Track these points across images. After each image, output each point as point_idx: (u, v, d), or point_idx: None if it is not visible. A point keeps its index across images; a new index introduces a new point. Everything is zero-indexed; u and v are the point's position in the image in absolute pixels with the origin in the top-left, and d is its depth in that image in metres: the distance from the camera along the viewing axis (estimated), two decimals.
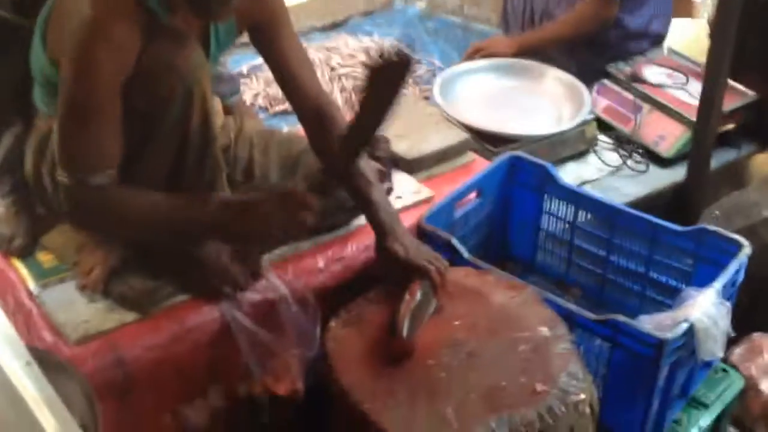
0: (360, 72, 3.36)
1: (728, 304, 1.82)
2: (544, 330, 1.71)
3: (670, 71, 2.79)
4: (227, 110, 2.25)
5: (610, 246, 2.14)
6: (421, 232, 1.99)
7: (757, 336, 2.16)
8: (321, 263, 2.01)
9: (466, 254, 1.93)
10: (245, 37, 1.94)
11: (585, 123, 2.60)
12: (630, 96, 2.72)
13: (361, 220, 2.04)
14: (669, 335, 1.70)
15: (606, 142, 2.67)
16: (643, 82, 2.75)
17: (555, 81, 2.75)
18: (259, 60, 2.17)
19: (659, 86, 2.73)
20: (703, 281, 1.89)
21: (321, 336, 1.82)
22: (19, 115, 1.88)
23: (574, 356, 1.66)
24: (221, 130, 2.00)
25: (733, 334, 1.84)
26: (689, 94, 2.68)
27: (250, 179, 2.01)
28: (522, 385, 1.59)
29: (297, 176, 1.99)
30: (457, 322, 1.76)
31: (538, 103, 2.70)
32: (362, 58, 3.45)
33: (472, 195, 2.19)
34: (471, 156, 2.41)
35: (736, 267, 1.89)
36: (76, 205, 1.68)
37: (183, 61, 1.68)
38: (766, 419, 2.09)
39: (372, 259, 2.00)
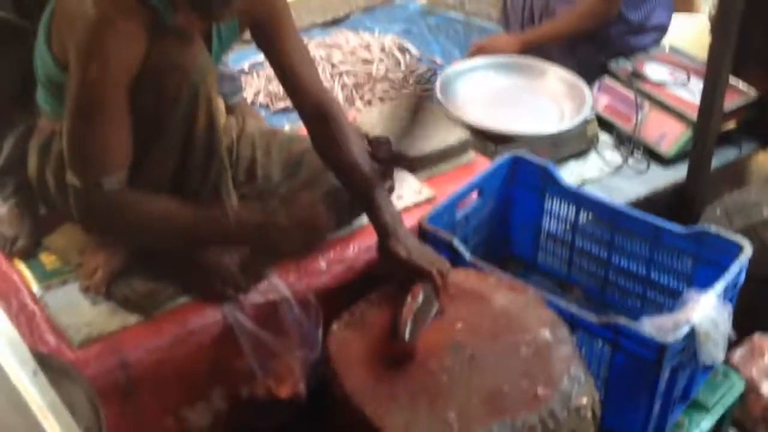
0: (360, 69, 3.36)
1: (729, 306, 1.83)
2: (546, 333, 1.71)
3: (672, 69, 2.79)
4: (229, 110, 2.24)
5: (612, 246, 2.14)
6: (423, 233, 1.99)
7: (757, 337, 2.16)
8: (323, 264, 2.01)
9: (467, 256, 1.93)
10: (247, 34, 1.94)
11: (586, 122, 2.60)
12: (631, 94, 2.72)
13: (363, 220, 2.05)
14: (670, 339, 1.71)
15: (607, 140, 2.67)
16: (645, 79, 2.75)
17: (556, 79, 2.75)
18: (261, 57, 2.16)
19: (660, 84, 2.73)
20: (704, 282, 1.89)
21: (323, 338, 1.82)
22: (22, 116, 1.88)
23: (575, 359, 1.67)
24: (224, 130, 2.00)
25: (734, 338, 1.84)
26: (690, 93, 2.68)
27: (253, 179, 2.02)
28: (524, 388, 1.60)
29: (314, 189, 2.00)
30: (459, 325, 1.76)
31: (540, 101, 2.70)
32: (363, 54, 3.45)
33: (473, 195, 2.19)
34: (472, 155, 2.41)
35: (737, 269, 1.89)
36: (87, 208, 1.67)
37: (190, 61, 1.68)
38: (767, 422, 2.09)
39: (374, 259, 2.00)
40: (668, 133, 2.63)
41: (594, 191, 2.42)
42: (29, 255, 1.94)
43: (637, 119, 2.66)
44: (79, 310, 1.81)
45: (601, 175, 2.58)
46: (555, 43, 2.92)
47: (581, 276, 2.23)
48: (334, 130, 1.92)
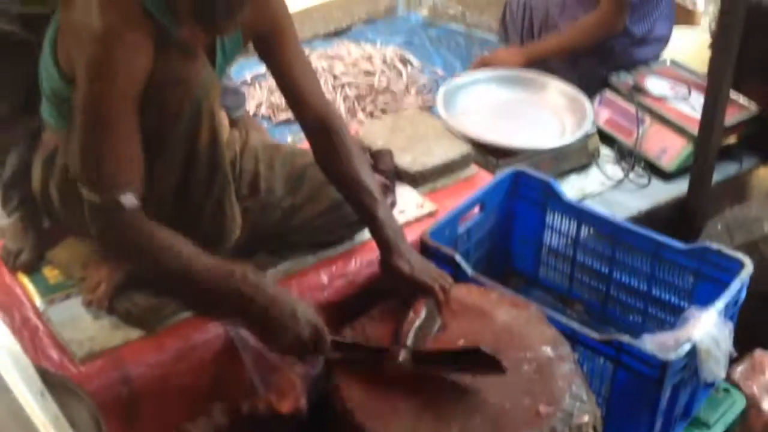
0: (362, 80, 3.37)
1: (730, 324, 1.83)
2: (548, 350, 1.71)
3: (673, 83, 2.79)
4: (232, 123, 2.25)
5: (613, 262, 2.15)
6: (425, 248, 2.00)
7: (758, 353, 2.16)
8: (325, 279, 2.02)
9: (469, 271, 1.93)
10: (249, 45, 1.95)
11: (587, 136, 2.60)
12: (632, 108, 2.73)
13: (365, 234, 2.05)
14: (672, 356, 1.71)
15: (608, 154, 2.68)
16: (646, 93, 2.75)
17: (557, 93, 2.75)
18: (263, 68, 2.17)
19: (661, 98, 2.74)
20: (705, 299, 1.90)
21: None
22: (27, 129, 1.88)
23: (577, 377, 1.67)
24: (227, 143, 2.00)
25: (735, 355, 1.85)
26: (691, 107, 2.68)
27: (256, 193, 2.02)
28: (526, 406, 1.60)
29: (317, 203, 2.00)
30: (461, 341, 1.76)
31: (541, 115, 2.70)
32: (365, 66, 3.46)
33: (475, 209, 2.20)
34: (474, 169, 2.42)
35: (738, 286, 1.90)
36: (105, 224, 1.64)
37: (193, 76, 1.68)
38: None
39: (376, 274, 2.00)
40: (669, 148, 2.64)
41: (595, 205, 2.43)
42: (33, 269, 1.94)
43: (638, 133, 2.67)
44: (82, 325, 1.81)
45: (602, 189, 2.59)
46: (562, 57, 2.93)
47: (583, 291, 2.24)
48: (336, 144, 1.92)
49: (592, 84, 2.85)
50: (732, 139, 2.67)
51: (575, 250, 2.21)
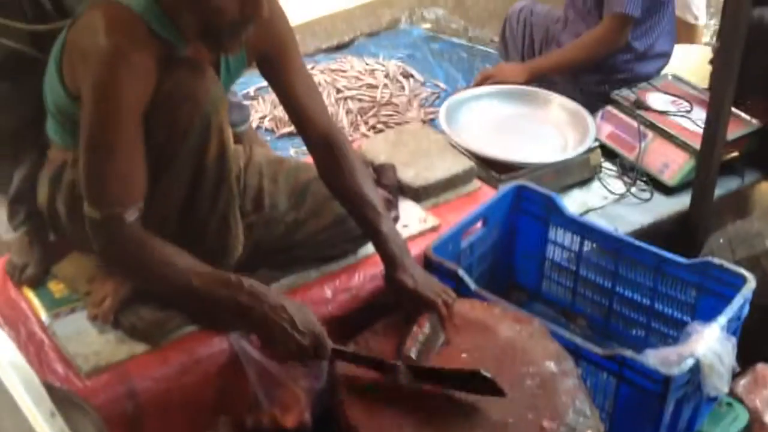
0: (365, 94, 3.39)
1: (733, 339, 1.84)
2: (551, 365, 1.72)
3: (675, 98, 2.80)
4: (237, 138, 2.26)
5: (616, 276, 2.15)
6: (428, 263, 2.01)
7: (761, 367, 2.16)
8: (328, 293, 2.03)
9: (473, 286, 1.94)
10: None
11: (590, 150, 2.61)
12: (634, 123, 2.74)
13: (369, 249, 2.06)
14: (675, 371, 1.72)
15: (610, 169, 2.69)
16: (648, 109, 2.77)
17: (559, 108, 2.77)
18: (266, 82, 2.17)
19: (663, 113, 2.75)
20: (708, 314, 1.91)
21: (328, 367, 1.83)
22: (34, 146, 1.90)
23: (581, 392, 1.67)
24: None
25: (737, 369, 1.85)
26: (693, 122, 2.69)
27: (260, 208, 2.03)
28: (529, 421, 1.61)
29: (320, 218, 2.02)
30: (464, 356, 1.77)
31: (543, 130, 2.71)
32: (367, 80, 3.48)
33: (478, 224, 2.21)
34: (477, 184, 2.43)
35: (740, 301, 1.91)
36: (107, 241, 1.68)
37: (202, 92, 1.70)
38: None
39: (379, 288, 2.02)
40: (671, 162, 2.65)
41: (597, 220, 2.45)
42: (38, 283, 1.95)
43: (640, 148, 2.68)
44: (87, 339, 1.82)
45: (604, 203, 2.59)
46: (561, 72, 2.95)
47: (585, 305, 2.25)
48: (340, 160, 1.94)
49: (594, 99, 2.87)
50: (734, 154, 2.68)
51: (578, 265, 2.22)
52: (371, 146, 2.49)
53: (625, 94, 2.83)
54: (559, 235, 2.23)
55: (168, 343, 1.83)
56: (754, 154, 2.72)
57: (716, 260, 2.02)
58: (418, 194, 2.33)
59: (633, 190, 2.63)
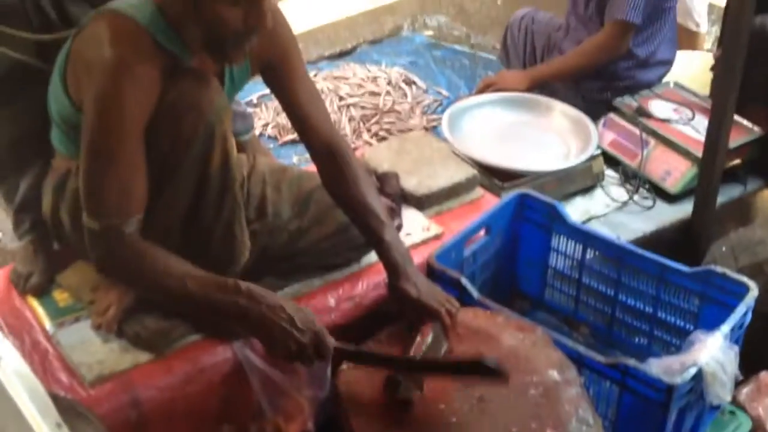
0: (367, 101, 3.40)
1: (736, 347, 1.84)
2: (554, 374, 1.72)
3: (677, 106, 2.81)
4: (240, 147, 2.27)
5: (618, 285, 2.16)
6: (431, 271, 2.01)
7: (764, 375, 2.16)
8: (332, 302, 2.03)
9: (476, 294, 1.94)
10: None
11: (592, 158, 2.62)
12: (636, 130, 2.74)
13: (372, 257, 2.06)
14: (678, 380, 1.72)
15: (613, 176, 2.69)
16: (650, 116, 2.77)
17: (562, 115, 2.77)
18: (269, 89, 2.20)
19: (665, 121, 2.75)
20: (710, 322, 1.91)
21: (332, 376, 1.83)
22: (39, 156, 1.90)
23: (584, 401, 1.68)
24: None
25: (740, 378, 1.86)
26: (695, 130, 2.70)
27: (263, 216, 2.03)
28: (533, 430, 1.61)
29: (324, 226, 2.03)
30: None
31: (546, 137, 2.72)
32: (370, 87, 3.49)
33: (481, 232, 2.21)
34: (479, 192, 2.44)
35: (743, 310, 1.91)
36: (106, 251, 1.68)
37: (207, 102, 1.70)
38: None
39: (383, 297, 2.02)
40: (673, 170, 2.65)
41: (600, 227, 2.45)
42: (42, 292, 1.96)
43: (642, 155, 2.68)
44: (91, 348, 1.83)
45: (606, 211, 2.60)
46: (566, 79, 2.95)
47: (588, 313, 2.25)
48: (343, 168, 1.94)
49: (596, 106, 2.87)
50: (736, 162, 2.68)
51: (581, 273, 2.22)
52: (374, 154, 2.50)
53: (627, 101, 2.83)
54: (561, 243, 2.24)
55: (172, 352, 1.84)
56: (757, 162, 2.72)
57: (719, 269, 2.02)
58: (421, 202, 2.34)
59: (635, 197, 2.63)
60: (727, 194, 2.66)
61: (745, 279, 1.98)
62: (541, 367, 1.74)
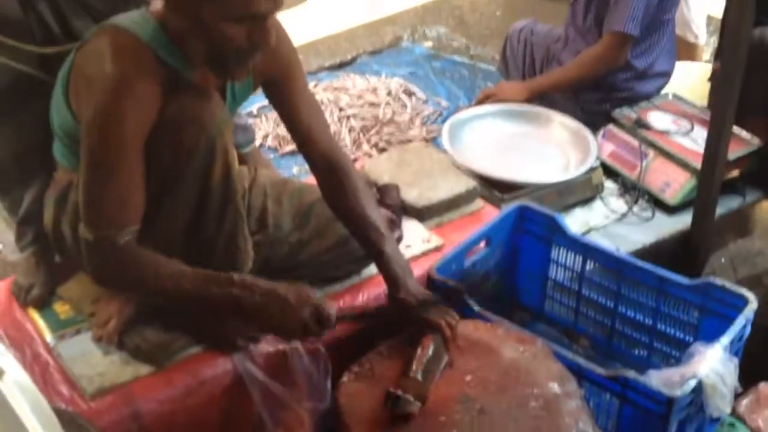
0: (367, 112, 3.40)
1: (735, 359, 1.84)
2: (555, 386, 1.73)
3: (675, 118, 2.82)
4: (241, 159, 2.27)
5: (618, 297, 2.16)
6: (432, 283, 2.01)
7: (763, 387, 2.16)
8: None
9: (476, 307, 1.95)
10: None
11: (591, 170, 2.63)
12: (635, 142, 2.75)
13: (372, 269, 2.07)
14: (678, 392, 1.72)
15: (612, 188, 2.70)
16: (649, 128, 2.78)
17: (561, 127, 2.78)
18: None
19: (664, 133, 2.76)
20: (710, 334, 1.92)
21: (332, 389, 1.84)
22: (43, 168, 1.91)
23: (584, 414, 1.68)
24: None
25: (740, 390, 1.86)
26: (694, 141, 2.70)
27: (264, 228, 2.04)
28: None
29: (324, 239, 2.04)
30: (468, 377, 1.77)
31: (545, 149, 2.73)
32: (370, 98, 3.50)
33: (481, 244, 2.22)
34: (479, 203, 2.44)
35: (742, 322, 1.92)
36: (100, 261, 1.70)
37: (208, 116, 1.71)
38: None
39: (383, 308, 2.02)
40: (672, 181, 2.66)
41: (599, 239, 2.46)
42: (43, 304, 1.96)
43: (641, 167, 2.69)
44: (92, 360, 1.83)
45: (606, 222, 2.60)
46: (562, 90, 2.96)
47: (588, 325, 2.25)
48: (343, 181, 1.95)
49: (594, 118, 2.88)
50: (735, 173, 2.69)
51: (580, 285, 2.22)
52: (374, 166, 2.50)
53: (626, 113, 2.84)
54: (561, 255, 2.24)
55: (172, 364, 1.84)
56: (755, 173, 2.73)
57: (718, 281, 2.03)
58: (422, 214, 2.34)
59: (635, 209, 2.64)
60: (726, 206, 2.66)
61: (744, 291, 1.99)
62: (542, 379, 1.75)
